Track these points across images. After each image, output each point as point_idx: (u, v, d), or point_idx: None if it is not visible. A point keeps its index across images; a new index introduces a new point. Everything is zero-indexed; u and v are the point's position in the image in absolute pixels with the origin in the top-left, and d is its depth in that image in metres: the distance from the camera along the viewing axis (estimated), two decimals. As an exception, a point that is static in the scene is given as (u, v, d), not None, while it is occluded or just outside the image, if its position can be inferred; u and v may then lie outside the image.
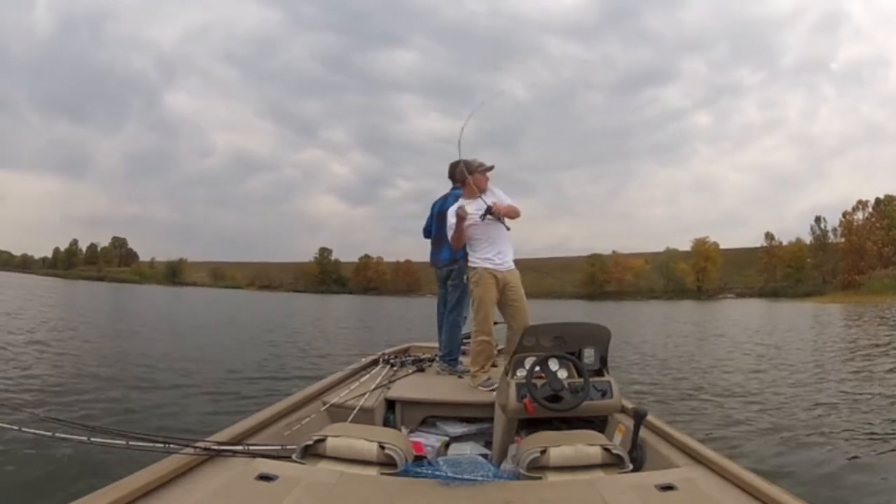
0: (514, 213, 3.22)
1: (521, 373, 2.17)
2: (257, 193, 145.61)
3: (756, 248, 71.97)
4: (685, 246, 75.24)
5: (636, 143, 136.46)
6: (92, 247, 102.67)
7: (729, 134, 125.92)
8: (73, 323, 13.17)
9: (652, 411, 2.06)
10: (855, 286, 51.04)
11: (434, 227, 3.70)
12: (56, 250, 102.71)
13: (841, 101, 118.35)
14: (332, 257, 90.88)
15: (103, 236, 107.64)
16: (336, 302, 42.25)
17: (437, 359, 3.64)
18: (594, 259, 76.47)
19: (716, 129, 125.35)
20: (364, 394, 2.77)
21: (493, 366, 3.30)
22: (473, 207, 3.15)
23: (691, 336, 14.11)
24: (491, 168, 3.26)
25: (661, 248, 77.05)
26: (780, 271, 66.97)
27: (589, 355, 2.25)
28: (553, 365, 2.13)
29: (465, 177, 3.20)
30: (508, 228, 3.24)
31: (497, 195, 3.22)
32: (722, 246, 73.70)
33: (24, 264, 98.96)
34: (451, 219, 3.17)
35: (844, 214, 62.52)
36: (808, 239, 68.09)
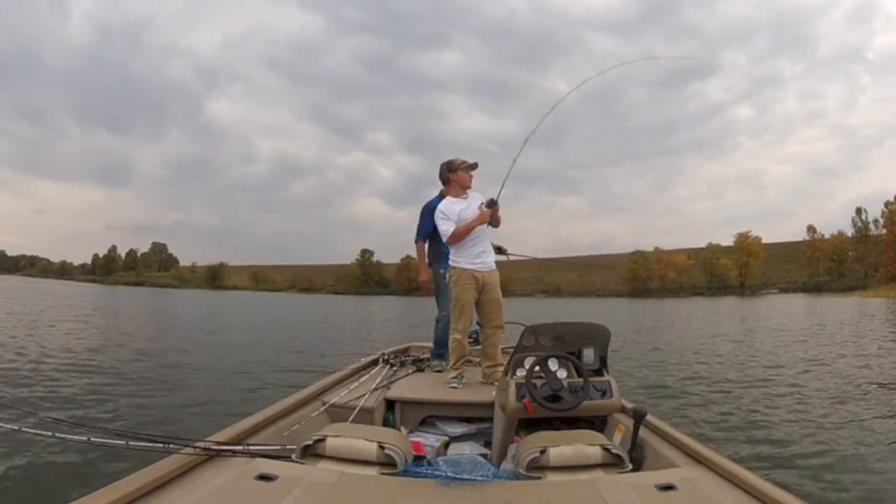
0: (497, 221, 3.27)
1: (520, 373, 2.16)
2: (302, 198, 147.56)
3: (798, 242, 71.14)
4: (728, 240, 75.00)
5: (681, 138, 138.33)
6: (131, 252, 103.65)
7: (771, 126, 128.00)
8: (92, 325, 13.28)
9: (660, 412, 2.05)
10: (898, 279, 49.95)
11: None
12: (95, 257, 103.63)
13: (878, 90, 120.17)
14: (374, 259, 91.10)
15: (145, 243, 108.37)
16: (377, 304, 41.62)
17: (432, 358, 3.68)
18: (636, 256, 76.07)
19: (758, 122, 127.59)
20: (364, 394, 2.77)
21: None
22: (460, 206, 3.21)
23: (729, 343, 12.11)
24: (474, 166, 3.30)
25: (703, 244, 76.95)
26: (822, 265, 66.05)
27: (588, 355, 2.25)
28: (553, 365, 2.13)
29: (449, 175, 3.28)
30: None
31: (475, 201, 3.26)
32: (764, 240, 73.23)
33: (63, 271, 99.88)
34: (440, 221, 3.21)
35: (886, 205, 61.50)
36: (849, 231, 67.07)
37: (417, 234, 3.84)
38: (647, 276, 72.85)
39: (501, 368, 3.16)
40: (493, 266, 3.29)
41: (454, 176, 3.27)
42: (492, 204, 3.13)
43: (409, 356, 3.84)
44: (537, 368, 2.09)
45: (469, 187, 3.29)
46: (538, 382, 2.07)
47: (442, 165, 3.34)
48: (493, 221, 3.25)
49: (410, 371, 3.47)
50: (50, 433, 1.67)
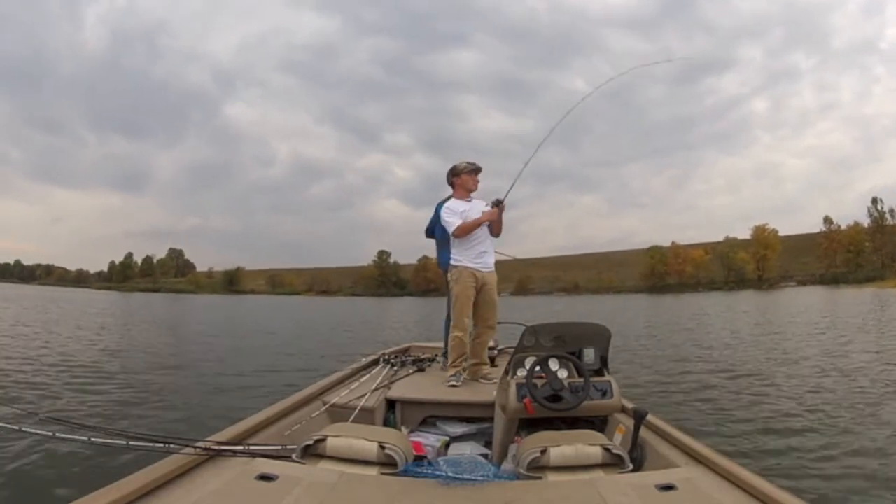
0: (498, 229, 3.37)
1: (521, 373, 2.16)
2: (320, 200, 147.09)
3: (815, 234, 70.86)
4: (745, 234, 74.86)
5: (698, 133, 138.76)
6: (148, 259, 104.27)
7: (786, 119, 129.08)
8: (101, 328, 13.38)
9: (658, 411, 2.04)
10: (915, 269, 49.65)
11: (438, 229, 3.71)
12: (111, 264, 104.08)
13: (892, 80, 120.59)
14: (392, 260, 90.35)
15: (163, 249, 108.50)
16: (395, 305, 40.92)
17: (439, 357, 3.68)
18: (654, 251, 75.95)
19: (774, 116, 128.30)
20: (364, 394, 2.77)
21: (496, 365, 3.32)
22: (464, 207, 3.30)
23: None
24: (478, 169, 3.39)
25: (720, 238, 76.55)
26: (839, 256, 65.82)
27: (589, 355, 2.25)
28: (553, 365, 2.13)
29: (454, 179, 3.38)
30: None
31: (479, 205, 3.36)
32: (781, 233, 72.98)
33: (80, 279, 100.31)
34: (445, 215, 3.30)
35: (902, 194, 61.69)
36: (866, 222, 66.96)
37: (427, 230, 3.87)
38: (665, 272, 72.74)
39: (485, 367, 3.33)
40: (493, 268, 3.38)
41: (458, 180, 3.38)
42: (497, 203, 3.29)
43: (409, 356, 3.84)
44: (538, 368, 2.09)
45: (474, 190, 3.39)
46: (539, 382, 2.07)
47: (448, 171, 3.44)
48: (494, 229, 3.34)
49: (411, 371, 3.47)
50: (50, 433, 1.66)
